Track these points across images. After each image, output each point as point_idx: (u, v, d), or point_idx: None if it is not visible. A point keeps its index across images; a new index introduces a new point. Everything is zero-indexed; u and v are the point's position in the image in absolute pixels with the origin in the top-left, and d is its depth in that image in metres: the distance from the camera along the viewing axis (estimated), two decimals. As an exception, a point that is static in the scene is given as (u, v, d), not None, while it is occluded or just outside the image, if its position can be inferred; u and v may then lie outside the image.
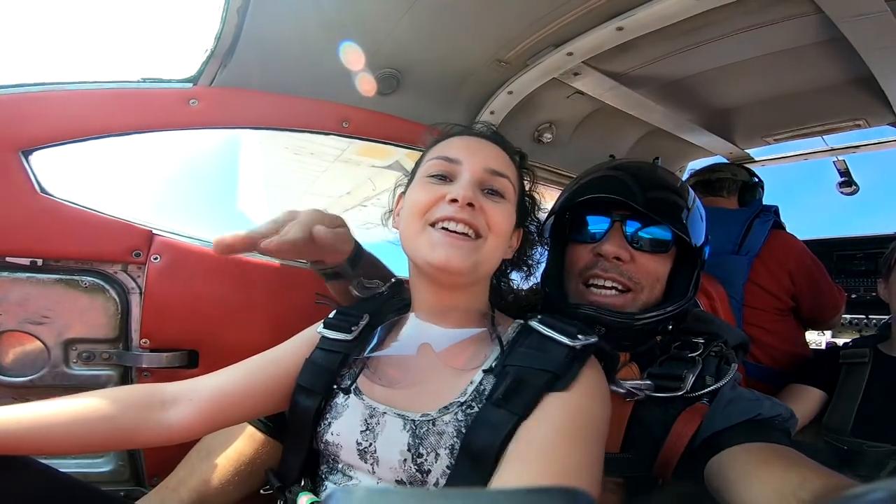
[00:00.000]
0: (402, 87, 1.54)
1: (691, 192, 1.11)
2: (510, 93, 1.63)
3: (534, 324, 0.83)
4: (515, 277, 1.05)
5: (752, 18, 1.32)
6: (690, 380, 0.91)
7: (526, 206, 0.98)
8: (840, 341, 2.45)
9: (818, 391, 1.62)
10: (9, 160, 1.12)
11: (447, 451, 0.73)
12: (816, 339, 2.64)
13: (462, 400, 0.78)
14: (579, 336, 0.78)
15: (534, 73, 1.53)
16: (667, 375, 0.94)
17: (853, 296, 2.49)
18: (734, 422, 0.85)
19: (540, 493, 0.33)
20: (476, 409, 0.76)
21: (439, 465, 0.73)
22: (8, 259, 1.15)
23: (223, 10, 1.16)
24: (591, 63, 1.52)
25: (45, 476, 0.81)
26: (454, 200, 0.80)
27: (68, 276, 1.20)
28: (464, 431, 0.74)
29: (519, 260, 1.01)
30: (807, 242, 2.01)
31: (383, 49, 1.38)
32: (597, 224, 1.06)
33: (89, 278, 1.22)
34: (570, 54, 1.42)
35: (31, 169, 1.15)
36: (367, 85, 1.42)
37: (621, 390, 0.91)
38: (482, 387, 0.79)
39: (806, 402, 1.61)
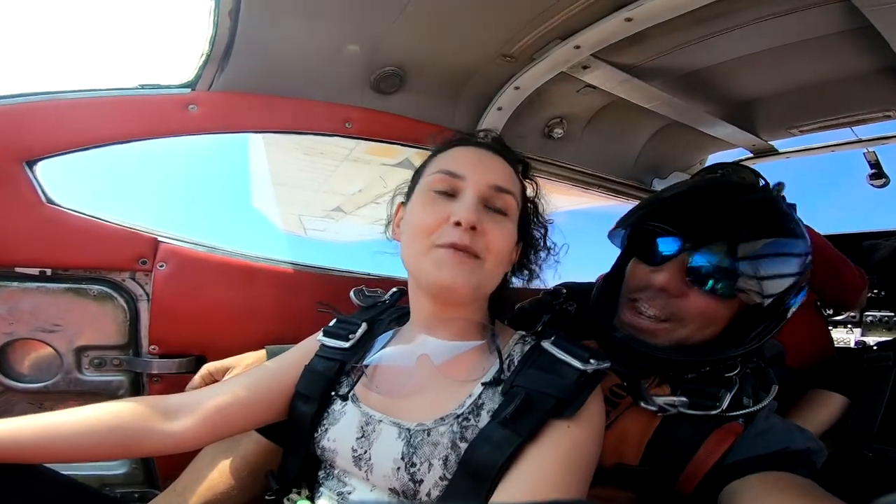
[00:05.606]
0: (406, 86, 1.51)
1: (796, 238, 0.96)
2: (517, 88, 1.58)
3: (546, 345, 0.82)
4: (516, 282, 1.01)
5: (768, 8, 1.25)
6: (727, 399, 0.86)
7: (528, 214, 0.96)
8: (870, 340, 2.36)
9: (840, 397, 1.56)
10: (13, 171, 1.13)
11: (440, 461, 0.73)
12: (845, 337, 2.54)
13: (459, 412, 0.78)
14: (591, 360, 0.77)
15: (541, 67, 1.48)
16: (701, 393, 0.89)
17: (882, 293, 2.40)
18: (760, 452, 0.81)
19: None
20: (472, 421, 0.76)
21: (432, 476, 0.73)
22: (17, 269, 1.17)
23: (213, 13, 1.13)
24: (600, 56, 1.46)
25: (63, 484, 0.82)
26: (458, 224, 0.79)
27: (77, 285, 1.23)
28: (458, 444, 0.74)
29: (520, 267, 0.98)
30: (834, 237, 1.93)
31: (384, 47, 1.35)
32: (663, 247, 0.97)
33: (98, 286, 1.24)
34: (577, 47, 1.37)
35: (37, 179, 1.16)
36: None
37: (652, 408, 0.88)
38: (480, 400, 0.79)
39: (827, 407, 1.56)
